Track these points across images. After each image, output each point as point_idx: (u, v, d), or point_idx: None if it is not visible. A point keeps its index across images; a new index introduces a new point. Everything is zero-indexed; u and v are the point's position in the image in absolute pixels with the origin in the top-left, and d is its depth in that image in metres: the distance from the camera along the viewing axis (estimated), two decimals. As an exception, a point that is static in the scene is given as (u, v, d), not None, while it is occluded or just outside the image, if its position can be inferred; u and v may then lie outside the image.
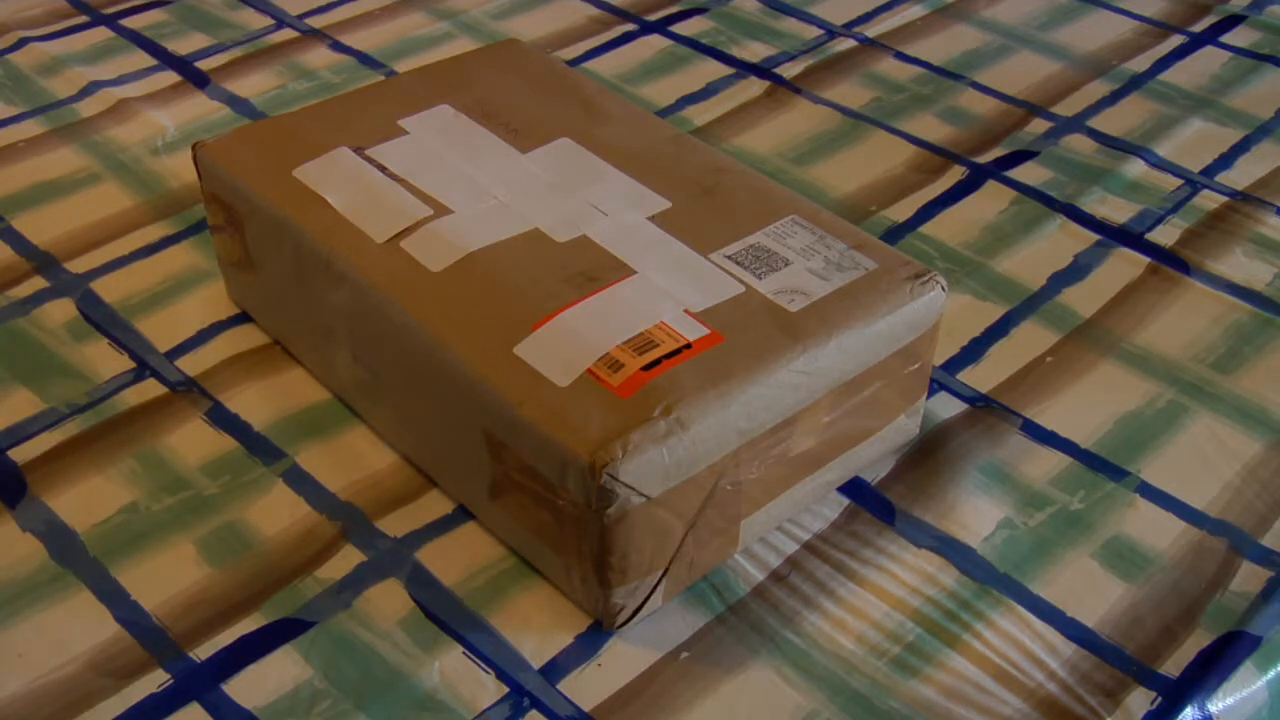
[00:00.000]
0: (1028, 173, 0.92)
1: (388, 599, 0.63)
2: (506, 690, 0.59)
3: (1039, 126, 0.97)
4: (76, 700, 0.58)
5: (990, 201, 0.89)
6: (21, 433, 0.71)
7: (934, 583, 0.64)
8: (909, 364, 0.66)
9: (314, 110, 0.77)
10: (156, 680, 0.59)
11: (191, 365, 0.75)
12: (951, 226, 0.87)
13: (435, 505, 0.67)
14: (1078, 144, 0.95)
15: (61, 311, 0.79)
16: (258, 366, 0.75)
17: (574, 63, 1.04)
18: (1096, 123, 0.98)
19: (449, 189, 0.69)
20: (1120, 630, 0.62)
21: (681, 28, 1.09)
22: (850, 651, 0.61)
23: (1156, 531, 0.67)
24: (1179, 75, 1.04)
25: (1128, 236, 0.86)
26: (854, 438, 0.66)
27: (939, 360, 0.76)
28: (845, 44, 1.07)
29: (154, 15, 1.09)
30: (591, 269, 0.64)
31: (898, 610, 0.63)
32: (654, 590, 0.61)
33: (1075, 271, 0.83)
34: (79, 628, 0.61)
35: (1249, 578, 0.65)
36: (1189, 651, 0.61)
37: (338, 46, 1.05)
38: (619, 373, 0.58)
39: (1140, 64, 1.05)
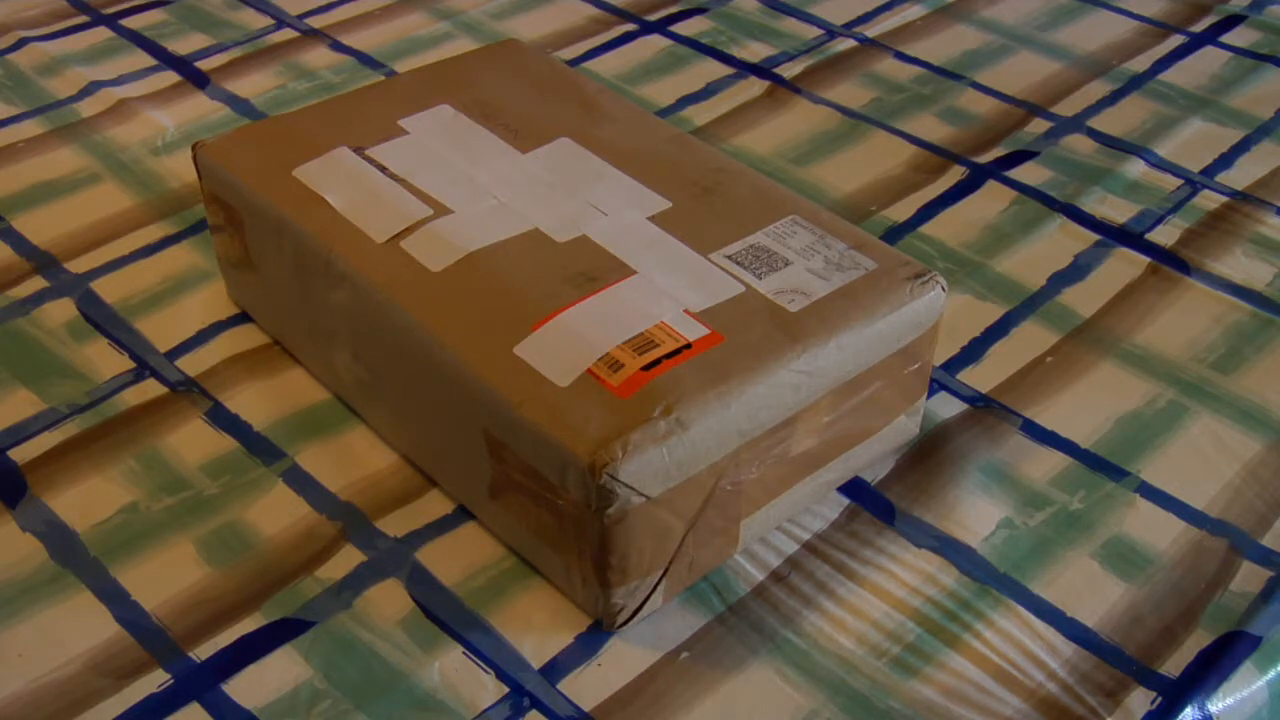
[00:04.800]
0: (1028, 173, 0.92)
1: (388, 599, 0.63)
2: (506, 690, 0.59)
3: (1039, 126, 0.97)
4: (76, 700, 0.58)
5: (990, 201, 0.89)
6: (21, 433, 0.71)
7: (934, 583, 0.64)
8: (909, 364, 0.66)
9: (314, 110, 0.77)
10: (156, 680, 0.59)
11: (191, 365, 0.75)
12: (951, 226, 0.87)
13: (435, 505, 0.67)
14: (1078, 144, 0.95)
15: (61, 311, 0.79)
16: (258, 366, 0.75)
17: (574, 63, 1.04)
18: (1096, 123, 0.98)
19: (449, 189, 0.69)
20: (1120, 630, 0.62)
21: (681, 28, 1.09)
22: (850, 651, 0.61)
23: (1156, 531, 0.67)
24: (1179, 75, 1.04)
25: (1128, 236, 0.86)
26: (854, 438, 0.66)
27: (939, 360, 0.76)
28: (845, 44, 1.07)
29: (154, 15, 1.09)
30: (591, 269, 0.64)
31: (898, 610, 0.63)
32: (654, 590, 0.61)
33: (1075, 271, 0.83)
34: (79, 628, 0.61)
35: (1249, 578, 0.65)
36: (1189, 651, 0.61)
37: (338, 46, 1.05)
38: (619, 373, 0.58)
39: (1140, 64, 1.05)
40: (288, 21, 1.09)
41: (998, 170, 0.92)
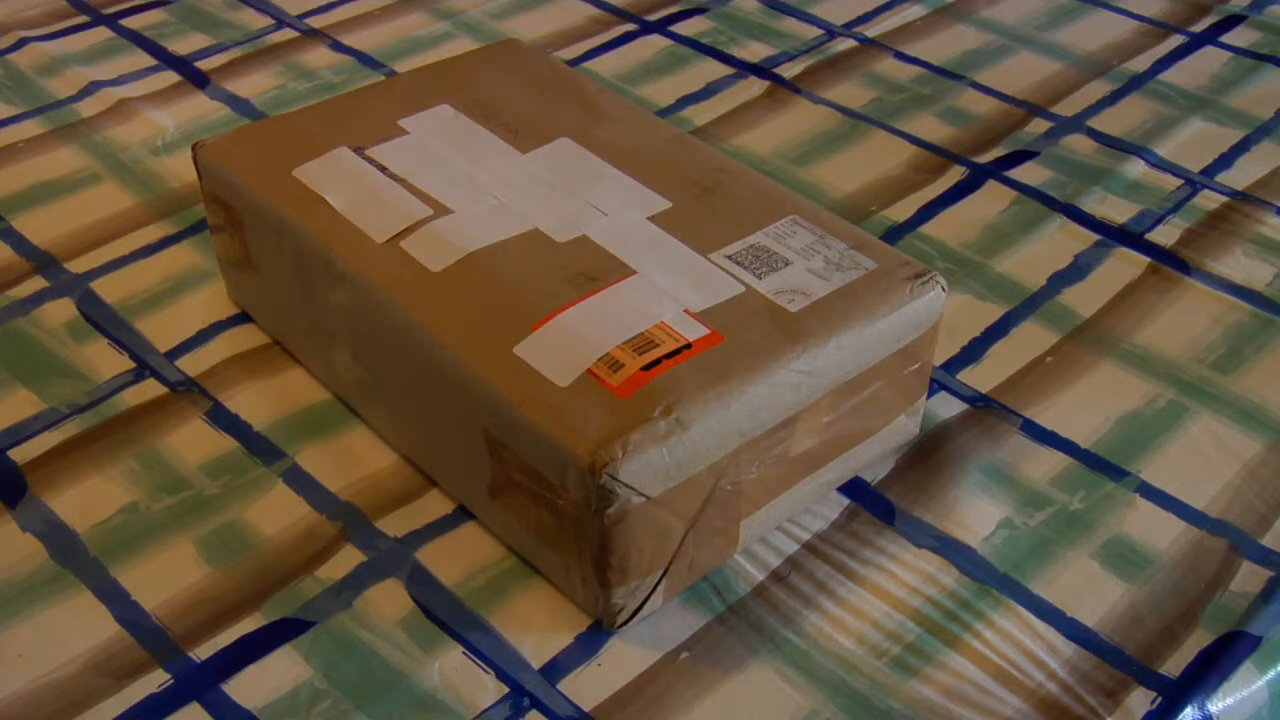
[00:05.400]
0: (1028, 173, 0.92)
1: (388, 599, 0.63)
2: (506, 690, 0.59)
3: (1039, 126, 0.97)
4: (76, 700, 0.58)
5: (990, 201, 0.89)
6: (21, 433, 0.71)
7: (934, 583, 0.64)
8: (909, 364, 0.66)
9: (314, 110, 0.77)
10: (156, 680, 0.59)
11: (191, 365, 0.75)
12: (951, 226, 0.87)
13: (435, 505, 0.67)
14: (1078, 144, 0.95)
15: (61, 311, 0.79)
16: (258, 366, 0.75)
17: (574, 63, 1.04)
18: (1096, 123, 0.98)
19: (449, 189, 0.69)
20: (1120, 630, 0.62)
21: (681, 28, 1.09)
22: (850, 651, 0.61)
23: (1156, 531, 0.67)
24: (1179, 75, 1.04)
25: (1128, 236, 0.86)
26: (854, 438, 0.66)
27: (939, 360, 0.76)
28: (845, 44, 1.07)
29: (154, 15, 1.09)
30: (591, 269, 0.64)
31: (898, 610, 0.63)
32: (654, 590, 0.61)
33: (1075, 271, 0.83)
34: (79, 628, 0.61)
35: (1249, 578, 0.65)
36: (1189, 651, 0.61)
37: (338, 46, 1.05)
38: (619, 373, 0.58)
39: (1140, 64, 1.05)
40: (288, 21, 1.09)
41: (998, 170, 0.92)
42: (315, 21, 1.09)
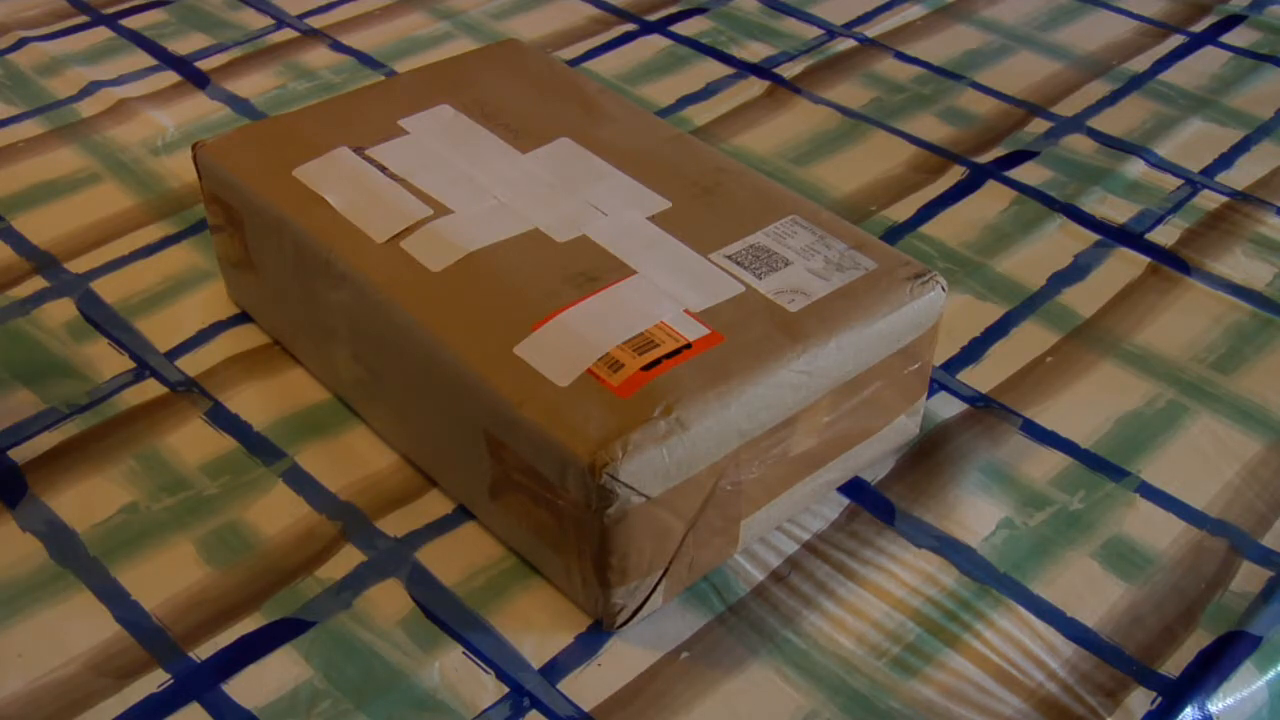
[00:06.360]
0: (1028, 173, 0.92)
1: (388, 599, 0.63)
2: (506, 690, 0.59)
3: (1039, 126, 0.97)
4: (76, 700, 0.58)
5: (990, 201, 0.89)
6: (21, 433, 0.71)
7: (934, 583, 0.64)
8: (909, 364, 0.66)
9: (314, 110, 0.77)
10: (156, 680, 0.59)
11: (191, 365, 0.75)
12: (951, 226, 0.87)
13: (435, 505, 0.67)
14: (1078, 144, 0.95)
15: (61, 311, 0.79)
16: (258, 366, 0.75)
17: (574, 63, 1.04)
18: (1096, 123, 0.98)
19: (449, 189, 0.69)
20: (1120, 630, 0.62)
21: (681, 28, 1.09)
22: (850, 651, 0.61)
23: (1156, 531, 0.67)
24: (1179, 75, 1.04)
25: (1128, 236, 0.86)
26: (854, 438, 0.66)
27: (939, 360, 0.76)
28: (845, 44, 1.07)
29: (154, 15, 1.09)
30: (591, 269, 0.64)
31: (898, 610, 0.63)
32: (654, 590, 0.61)
33: (1075, 271, 0.83)
34: (79, 628, 0.61)
35: (1249, 578, 0.65)
36: (1189, 651, 0.61)
37: (338, 46, 1.05)
38: (619, 373, 0.58)
39: (1140, 64, 1.05)
40: (288, 21, 1.09)
41: (998, 170, 0.92)
42: (315, 21, 1.09)
